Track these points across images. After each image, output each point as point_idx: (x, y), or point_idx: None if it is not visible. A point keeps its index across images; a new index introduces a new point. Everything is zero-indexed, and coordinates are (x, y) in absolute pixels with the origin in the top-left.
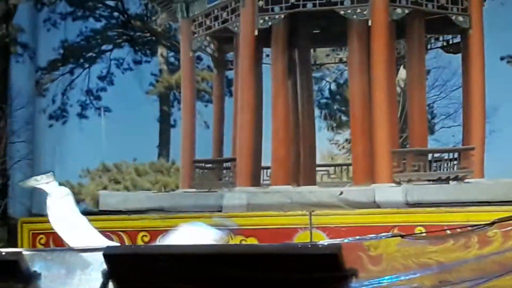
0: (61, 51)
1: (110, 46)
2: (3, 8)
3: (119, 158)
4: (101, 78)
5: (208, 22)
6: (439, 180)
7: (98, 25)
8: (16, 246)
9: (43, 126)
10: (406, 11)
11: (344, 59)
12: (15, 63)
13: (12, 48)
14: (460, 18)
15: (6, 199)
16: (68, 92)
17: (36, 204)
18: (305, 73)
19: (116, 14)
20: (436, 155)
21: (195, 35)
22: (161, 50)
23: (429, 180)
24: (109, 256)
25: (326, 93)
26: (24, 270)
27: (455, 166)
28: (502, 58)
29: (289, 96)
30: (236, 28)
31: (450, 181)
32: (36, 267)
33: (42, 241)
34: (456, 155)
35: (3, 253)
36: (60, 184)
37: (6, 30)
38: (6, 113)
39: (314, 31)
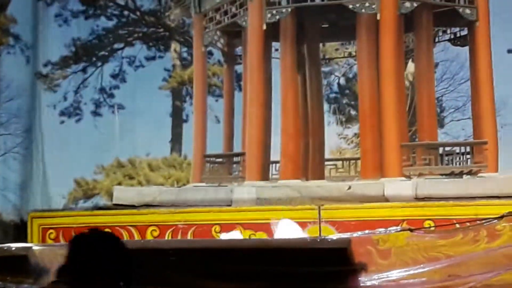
0: (73, 48)
1: (122, 45)
2: None
3: (133, 153)
4: (113, 76)
5: (218, 17)
6: (452, 175)
7: (110, 24)
8: (26, 241)
9: (53, 122)
10: (415, 4)
11: (353, 53)
12: (6, 55)
13: (4, 39)
14: (467, 11)
15: None
16: (81, 90)
17: (45, 199)
18: (314, 67)
19: (126, 12)
20: (447, 148)
21: (207, 30)
22: (174, 45)
23: (441, 175)
24: None
25: (335, 88)
26: (33, 265)
27: (468, 160)
28: (509, 51)
29: (298, 91)
30: (244, 23)
31: (464, 176)
32: (45, 262)
33: (52, 236)
34: (468, 149)
35: (13, 248)
36: (76, 181)
37: None
38: None
39: (323, 26)
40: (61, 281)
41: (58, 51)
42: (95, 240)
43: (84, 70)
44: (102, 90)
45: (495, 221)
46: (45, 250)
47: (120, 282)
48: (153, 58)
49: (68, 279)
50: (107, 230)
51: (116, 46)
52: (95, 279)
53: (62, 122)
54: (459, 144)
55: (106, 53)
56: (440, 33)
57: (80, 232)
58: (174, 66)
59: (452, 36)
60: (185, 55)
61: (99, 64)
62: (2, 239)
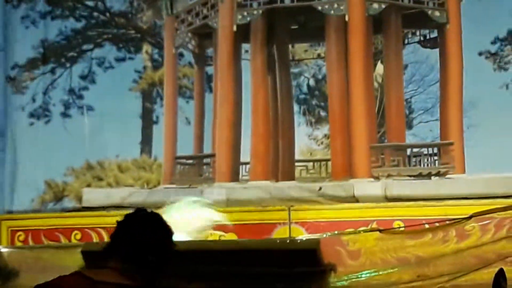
0: (41, 50)
1: (91, 46)
2: None
3: (102, 155)
4: (82, 77)
5: (189, 18)
6: (420, 176)
7: (78, 25)
8: None
9: (22, 124)
10: (383, 6)
11: (322, 55)
12: None
13: None
14: (437, 13)
15: None
16: (50, 91)
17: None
18: (284, 68)
19: (96, 14)
20: (415, 150)
21: (178, 31)
22: (146, 47)
23: (410, 176)
24: (87, 253)
25: (305, 89)
26: (2, 267)
27: (436, 162)
28: (480, 54)
29: (268, 92)
30: (215, 24)
31: (432, 177)
32: (14, 265)
33: (21, 238)
34: (436, 150)
35: None
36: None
37: None
38: None
39: (292, 27)
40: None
41: (25, 53)
42: (139, 217)
43: (52, 71)
44: (71, 91)
45: (463, 221)
46: (14, 252)
47: (150, 256)
48: (123, 59)
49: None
50: (76, 232)
51: (85, 47)
52: (130, 254)
53: (32, 124)
54: (426, 146)
55: (75, 54)
56: (410, 35)
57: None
58: (145, 67)
59: (422, 38)
60: (156, 56)
61: (68, 65)
62: None
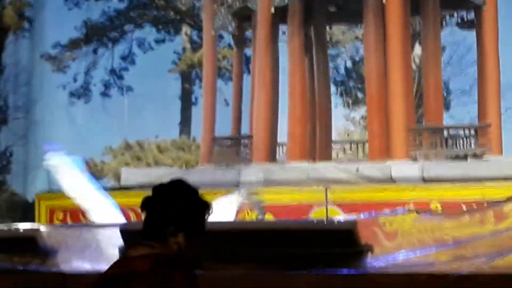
0: (84, 30)
1: (132, 27)
2: None
3: (142, 135)
4: (123, 58)
5: (229, 1)
6: (456, 157)
7: (121, 6)
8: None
9: (63, 103)
10: None
11: (360, 37)
12: (22, 38)
13: (20, 23)
14: None
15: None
16: (91, 71)
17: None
18: (321, 50)
19: None
20: (452, 132)
21: (218, 13)
22: (185, 28)
23: (447, 157)
24: (126, 232)
25: (342, 70)
26: (41, 246)
27: (473, 143)
28: None
29: (305, 74)
30: (254, 6)
31: (468, 158)
32: (53, 243)
33: (60, 217)
34: (473, 132)
35: (21, 230)
36: (85, 162)
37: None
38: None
39: (330, 9)
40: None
41: (68, 33)
42: (162, 188)
43: (94, 51)
44: (112, 71)
45: (501, 203)
46: (53, 231)
47: (170, 226)
48: (163, 41)
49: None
50: None
51: (126, 28)
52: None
53: (72, 103)
54: (464, 127)
55: (117, 35)
56: (447, 17)
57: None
58: (184, 49)
59: (459, 20)
60: (195, 38)
61: (110, 45)
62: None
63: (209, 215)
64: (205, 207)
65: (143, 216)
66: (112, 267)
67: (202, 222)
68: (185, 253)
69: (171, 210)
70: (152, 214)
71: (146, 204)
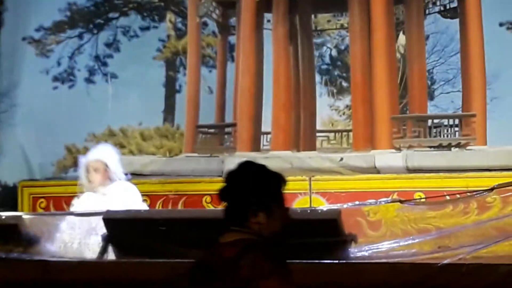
0: (68, 13)
1: (117, 14)
2: None
3: (125, 122)
4: (108, 45)
5: None
6: (440, 147)
7: None
8: (16, 210)
9: (46, 88)
10: None
11: (345, 25)
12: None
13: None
14: None
15: None
16: (76, 56)
17: (36, 168)
18: (306, 39)
19: None
20: (436, 121)
21: (202, 0)
22: (169, 15)
23: (430, 147)
24: (109, 220)
25: (327, 59)
26: (24, 233)
27: (457, 133)
28: (501, 24)
29: (290, 62)
30: None
31: (452, 148)
32: (36, 231)
33: (43, 205)
34: (457, 121)
35: (3, 217)
36: (67, 148)
37: None
38: None
39: None
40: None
41: (51, 15)
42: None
43: (80, 36)
44: (96, 58)
45: (485, 193)
46: (35, 219)
47: (250, 207)
48: (148, 28)
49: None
50: None
51: (111, 15)
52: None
53: (55, 87)
54: (448, 117)
55: (102, 22)
56: (430, 5)
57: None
58: (168, 36)
59: (442, 8)
60: (179, 25)
61: (95, 31)
62: None
63: (284, 186)
64: (278, 180)
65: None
66: (204, 254)
67: (278, 196)
68: (267, 231)
69: (246, 192)
70: (230, 202)
71: (222, 195)
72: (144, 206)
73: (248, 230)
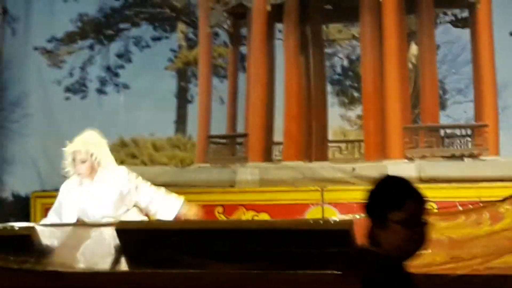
0: (79, 24)
1: (128, 25)
2: None
3: (137, 133)
4: (119, 55)
5: None
6: (452, 157)
7: (117, 4)
8: (28, 220)
9: (58, 98)
10: None
11: (356, 35)
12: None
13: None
14: None
15: None
16: (87, 66)
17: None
18: (317, 49)
19: None
20: (448, 131)
21: (213, 11)
22: (180, 26)
23: (443, 157)
24: (122, 231)
25: (338, 69)
26: (36, 244)
27: (469, 143)
28: (511, 34)
29: (301, 72)
30: (250, 4)
31: (465, 158)
32: (48, 242)
33: None
34: (469, 131)
35: (16, 228)
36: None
37: None
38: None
39: (326, 7)
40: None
41: (63, 27)
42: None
43: (91, 47)
44: (108, 68)
45: (497, 203)
46: (48, 230)
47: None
48: (159, 38)
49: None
50: None
51: (122, 26)
52: None
53: (67, 98)
54: (460, 127)
55: (113, 32)
56: (441, 15)
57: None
58: (180, 46)
59: (453, 18)
60: (191, 35)
61: (106, 42)
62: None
63: (424, 202)
64: (417, 196)
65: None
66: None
67: (418, 211)
68: (404, 247)
69: (384, 206)
70: (372, 217)
71: (368, 211)
72: (141, 183)
73: (384, 243)
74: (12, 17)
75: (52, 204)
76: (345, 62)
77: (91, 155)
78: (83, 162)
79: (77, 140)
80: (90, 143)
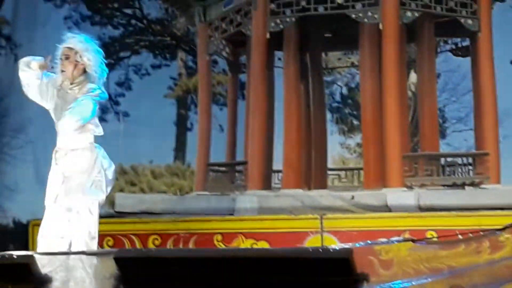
0: None
1: (128, 53)
2: None
3: (136, 160)
4: (119, 84)
5: (223, 26)
6: (454, 186)
7: (116, 33)
8: (27, 247)
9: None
10: (416, 14)
11: (356, 63)
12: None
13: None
14: (469, 21)
15: None
16: None
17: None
18: (317, 76)
19: (133, 21)
20: (449, 159)
21: (212, 38)
22: (180, 54)
23: (443, 185)
24: (120, 259)
25: (338, 97)
26: (35, 273)
27: (470, 172)
28: None
29: (301, 100)
30: (248, 31)
31: (466, 187)
32: (47, 270)
33: None
34: (470, 160)
35: (15, 256)
36: None
37: None
38: None
39: (325, 35)
40: None
41: None
42: None
43: None
44: (108, 97)
45: (498, 232)
46: (46, 258)
47: None
48: (159, 66)
49: None
50: (108, 238)
51: (122, 54)
52: None
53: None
54: (460, 155)
55: (112, 61)
56: (442, 43)
57: None
58: (180, 74)
59: (454, 47)
60: (190, 63)
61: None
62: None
63: None
64: None
65: None
66: None
67: None
68: None
69: None
70: None
71: None
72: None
73: None
74: (15, 43)
75: None
76: (344, 90)
77: (76, 54)
78: (68, 59)
79: (69, 36)
80: (79, 43)
